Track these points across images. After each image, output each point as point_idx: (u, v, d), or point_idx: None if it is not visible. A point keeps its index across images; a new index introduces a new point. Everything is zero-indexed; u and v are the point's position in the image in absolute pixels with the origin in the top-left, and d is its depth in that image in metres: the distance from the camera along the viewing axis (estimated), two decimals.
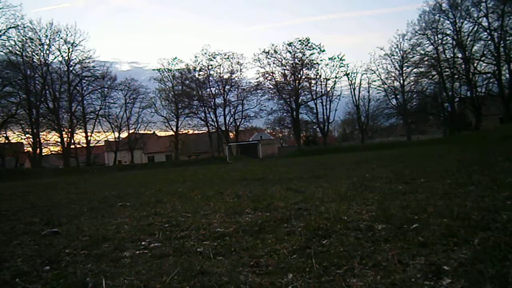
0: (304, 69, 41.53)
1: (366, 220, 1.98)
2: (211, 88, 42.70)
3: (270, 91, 41.84)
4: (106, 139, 44.76)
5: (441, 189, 2.84)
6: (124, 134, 43.67)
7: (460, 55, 36.27)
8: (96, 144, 43.44)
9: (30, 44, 34.44)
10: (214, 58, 41.74)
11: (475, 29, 34.52)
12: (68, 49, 36.95)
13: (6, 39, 32.02)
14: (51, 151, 40.26)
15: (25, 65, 34.08)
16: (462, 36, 35.55)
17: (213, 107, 42.82)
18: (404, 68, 39.74)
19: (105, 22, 79.04)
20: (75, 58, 37.51)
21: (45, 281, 1.42)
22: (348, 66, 48.92)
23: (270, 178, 5.40)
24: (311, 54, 41.19)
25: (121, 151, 43.75)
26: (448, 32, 36.63)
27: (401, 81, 40.16)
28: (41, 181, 14.88)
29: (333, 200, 2.74)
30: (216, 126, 42.87)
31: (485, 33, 34.04)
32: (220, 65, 42.17)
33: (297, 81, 41.23)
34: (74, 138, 39.40)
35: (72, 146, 39.43)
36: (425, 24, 36.62)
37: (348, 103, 45.96)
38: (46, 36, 35.60)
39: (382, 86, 41.76)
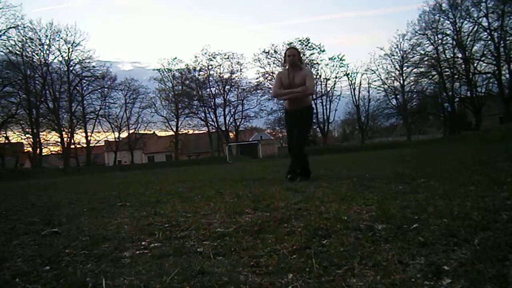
0: None
1: (366, 220, 1.97)
2: (211, 88, 42.74)
3: (270, 91, 41.84)
4: (106, 139, 44.75)
5: (441, 189, 2.84)
6: (124, 134, 43.68)
7: (460, 55, 36.29)
8: (96, 144, 43.44)
9: (30, 44, 34.51)
10: (214, 58, 41.81)
11: (475, 29, 34.56)
12: (68, 49, 37.03)
13: (6, 39, 32.10)
14: (51, 151, 40.32)
15: (25, 65, 34.12)
16: (462, 36, 35.58)
17: (213, 107, 42.83)
18: (404, 68, 39.76)
19: (106, 22, 79.16)
20: (75, 58, 37.56)
21: (45, 281, 1.42)
22: (348, 66, 49.07)
23: (270, 178, 5.40)
24: (311, 54, 41.23)
25: (121, 151, 43.76)
26: (448, 32, 36.67)
27: (401, 81, 40.12)
28: (41, 181, 14.88)
29: (333, 200, 2.74)
30: (216, 126, 42.87)
31: (485, 33, 34.05)
32: (220, 65, 42.24)
33: None
34: (74, 138, 39.45)
35: (72, 146, 39.47)
36: (425, 24, 36.68)
37: (348, 103, 46.01)
38: (46, 36, 35.67)
39: (382, 86, 41.75)
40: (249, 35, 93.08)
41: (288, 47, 5.17)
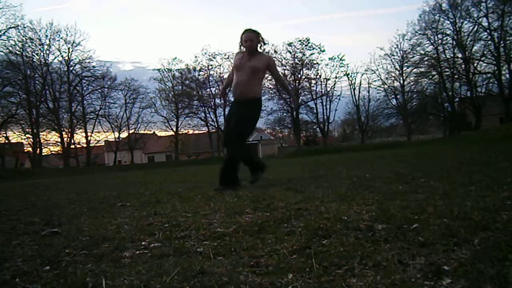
0: (304, 69, 41.59)
1: (366, 220, 1.97)
2: (211, 88, 42.72)
3: (270, 91, 41.86)
4: (106, 139, 44.72)
5: (441, 189, 2.84)
6: (124, 134, 43.66)
7: (460, 55, 36.30)
8: (96, 144, 43.41)
9: (30, 44, 34.54)
10: (214, 58, 41.82)
11: (475, 29, 34.58)
12: (68, 49, 37.04)
13: (6, 39, 32.12)
14: (51, 151, 40.31)
15: (25, 65, 34.14)
16: (462, 36, 35.59)
17: (213, 107, 42.81)
18: (404, 68, 39.73)
19: (106, 22, 79.17)
20: (75, 58, 37.56)
21: (45, 281, 1.42)
22: (348, 66, 49.08)
23: (270, 178, 5.40)
24: (311, 54, 41.21)
25: (121, 151, 43.75)
26: (448, 32, 36.68)
27: (401, 81, 40.15)
28: (41, 181, 14.88)
29: (333, 200, 2.74)
30: (216, 126, 42.85)
31: (485, 33, 34.04)
32: (220, 65, 42.21)
33: (297, 81, 41.23)
34: (74, 138, 39.44)
35: (72, 146, 39.46)
36: (425, 24, 36.69)
37: (348, 103, 45.97)
38: (46, 36, 35.69)
39: (382, 86, 41.73)
40: None
41: (245, 29, 4.18)
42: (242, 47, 4.23)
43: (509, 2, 30.60)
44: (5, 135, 34.42)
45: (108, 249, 1.84)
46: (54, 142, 37.67)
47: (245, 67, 4.12)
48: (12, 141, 35.95)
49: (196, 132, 46.20)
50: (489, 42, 33.57)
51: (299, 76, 40.94)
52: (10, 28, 31.32)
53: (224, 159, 4.33)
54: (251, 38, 4.14)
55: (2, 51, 31.91)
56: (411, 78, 39.38)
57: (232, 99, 4.40)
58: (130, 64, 79.32)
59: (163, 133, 46.37)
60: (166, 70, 42.09)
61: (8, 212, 3.63)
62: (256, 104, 4.33)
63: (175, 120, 42.57)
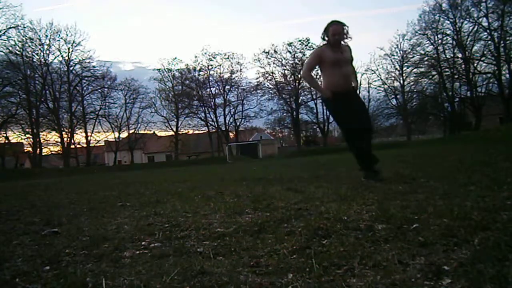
0: None
1: (366, 220, 1.98)
2: (211, 88, 42.74)
3: (270, 91, 41.90)
4: (106, 139, 44.69)
5: (441, 189, 2.84)
6: (124, 134, 43.63)
7: (460, 55, 36.27)
8: (96, 144, 43.39)
9: (30, 44, 34.55)
10: (214, 58, 41.81)
11: (475, 29, 34.54)
12: (68, 49, 37.04)
13: (6, 39, 32.12)
14: (51, 151, 40.29)
15: (25, 65, 34.14)
16: (462, 36, 35.56)
17: (213, 107, 42.83)
18: (404, 68, 39.69)
19: (106, 22, 79.19)
20: (75, 58, 37.55)
21: (45, 281, 1.42)
22: None
23: (270, 178, 5.40)
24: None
25: (121, 151, 43.73)
26: (448, 32, 36.66)
27: (401, 81, 40.10)
28: (41, 181, 14.88)
29: (333, 200, 2.74)
30: (216, 126, 42.85)
31: (485, 33, 34.01)
32: (220, 65, 42.24)
33: (297, 81, 41.21)
34: (74, 138, 39.43)
35: (72, 146, 39.45)
36: (425, 24, 36.66)
37: None
38: (46, 36, 35.71)
39: (382, 86, 41.67)
40: (249, 35, 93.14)
41: (331, 21, 4.09)
42: (326, 38, 4.14)
43: (509, 2, 30.58)
44: (5, 135, 34.45)
45: (108, 249, 1.84)
46: (54, 142, 37.70)
47: (342, 60, 4.10)
48: (12, 141, 35.97)
49: (196, 132, 46.22)
50: (489, 42, 33.56)
51: (299, 76, 40.94)
52: (10, 28, 31.38)
53: (360, 147, 4.12)
54: (339, 32, 4.09)
55: (2, 51, 31.96)
56: (411, 78, 39.40)
57: (333, 91, 4.12)
58: (130, 64, 79.48)
59: (163, 133, 46.40)
60: (166, 70, 42.15)
61: (8, 212, 3.63)
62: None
63: (175, 120, 42.59)
